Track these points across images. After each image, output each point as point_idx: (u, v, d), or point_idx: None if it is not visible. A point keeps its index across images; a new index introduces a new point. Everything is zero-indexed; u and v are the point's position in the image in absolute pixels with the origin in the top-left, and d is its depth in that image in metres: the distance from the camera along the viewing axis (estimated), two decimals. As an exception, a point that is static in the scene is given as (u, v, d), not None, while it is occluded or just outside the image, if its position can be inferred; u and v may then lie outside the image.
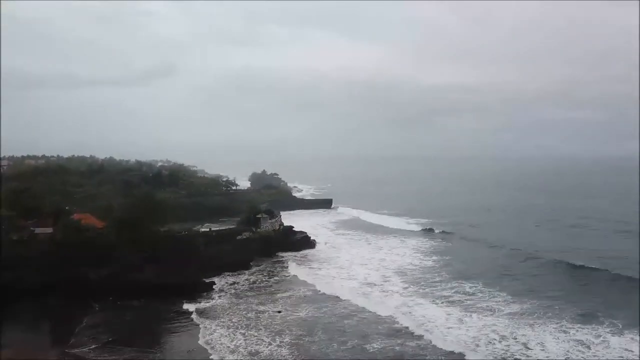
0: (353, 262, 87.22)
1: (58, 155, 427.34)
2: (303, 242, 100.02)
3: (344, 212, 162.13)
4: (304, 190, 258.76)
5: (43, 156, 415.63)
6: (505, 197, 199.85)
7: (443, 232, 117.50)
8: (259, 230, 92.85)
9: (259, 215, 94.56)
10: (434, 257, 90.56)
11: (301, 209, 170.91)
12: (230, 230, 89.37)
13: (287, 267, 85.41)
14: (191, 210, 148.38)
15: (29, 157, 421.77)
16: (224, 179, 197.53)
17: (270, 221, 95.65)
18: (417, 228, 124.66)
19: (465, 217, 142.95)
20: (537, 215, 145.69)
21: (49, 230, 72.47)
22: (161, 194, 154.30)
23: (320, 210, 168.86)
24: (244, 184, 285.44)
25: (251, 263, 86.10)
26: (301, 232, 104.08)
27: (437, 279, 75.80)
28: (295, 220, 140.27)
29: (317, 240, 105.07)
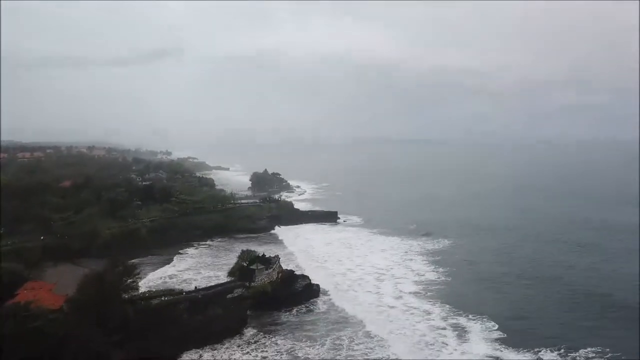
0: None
1: (54, 147, 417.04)
2: (305, 291, 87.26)
3: (350, 231, 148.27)
4: (306, 192, 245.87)
5: (39, 147, 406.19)
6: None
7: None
8: (253, 284, 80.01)
9: (253, 267, 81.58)
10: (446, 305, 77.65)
11: (304, 222, 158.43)
12: (219, 289, 76.48)
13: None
14: (184, 230, 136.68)
15: (24, 147, 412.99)
16: (222, 191, 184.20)
17: (266, 272, 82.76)
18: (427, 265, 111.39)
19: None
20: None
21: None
22: (152, 212, 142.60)
23: (325, 226, 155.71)
24: (244, 181, 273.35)
25: (244, 329, 73.89)
26: (303, 277, 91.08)
27: None
28: (296, 245, 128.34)
29: (321, 287, 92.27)
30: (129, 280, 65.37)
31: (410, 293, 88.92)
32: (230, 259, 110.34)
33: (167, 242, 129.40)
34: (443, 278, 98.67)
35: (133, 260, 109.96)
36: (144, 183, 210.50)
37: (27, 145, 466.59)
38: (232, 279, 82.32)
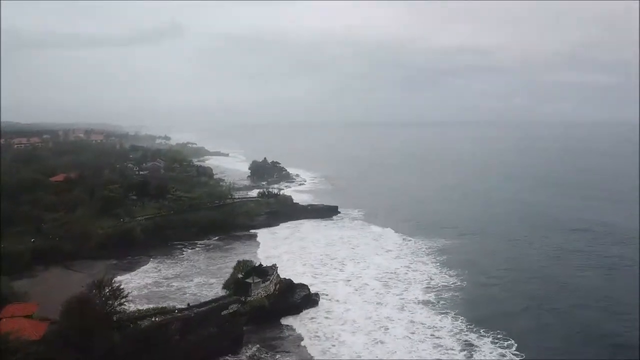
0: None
1: (52, 131, 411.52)
2: (304, 302, 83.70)
3: (351, 225, 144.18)
4: (306, 182, 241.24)
5: (37, 132, 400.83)
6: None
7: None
8: (249, 299, 76.18)
9: (248, 280, 77.58)
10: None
11: (303, 218, 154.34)
12: (213, 306, 72.58)
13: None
14: (179, 228, 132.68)
15: (22, 131, 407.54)
16: (221, 184, 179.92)
17: (263, 285, 78.79)
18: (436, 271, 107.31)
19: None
20: None
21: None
22: (147, 209, 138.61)
23: (325, 222, 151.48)
24: (243, 169, 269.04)
25: (241, 348, 70.49)
26: (302, 286, 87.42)
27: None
28: (294, 244, 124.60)
29: (319, 293, 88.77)
30: (116, 303, 61.31)
31: (418, 303, 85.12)
32: (225, 263, 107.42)
33: (163, 241, 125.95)
34: (458, 283, 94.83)
35: (127, 258, 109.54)
36: (140, 172, 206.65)
37: (25, 129, 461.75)
38: (227, 292, 78.47)
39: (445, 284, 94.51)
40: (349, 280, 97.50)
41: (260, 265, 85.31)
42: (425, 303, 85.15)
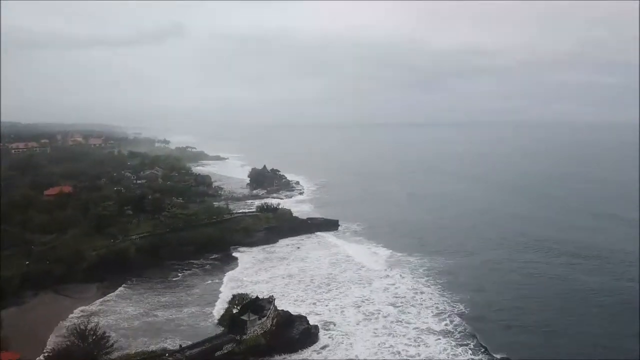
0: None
1: (50, 135, 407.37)
2: (303, 337, 79.86)
3: (349, 248, 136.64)
4: (305, 191, 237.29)
5: (35, 136, 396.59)
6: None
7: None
8: (245, 337, 72.38)
9: (244, 317, 73.76)
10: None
11: (303, 233, 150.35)
12: (207, 346, 68.92)
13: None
14: (175, 247, 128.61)
15: (20, 135, 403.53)
16: (220, 193, 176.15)
17: (259, 322, 74.95)
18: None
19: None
20: None
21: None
22: (142, 227, 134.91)
23: (325, 238, 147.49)
24: (242, 176, 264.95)
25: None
26: (300, 318, 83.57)
27: None
28: (292, 265, 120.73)
29: (321, 324, 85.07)
30: (102, 353, 57.61)
31: (433, 332, 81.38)
32: (220, 287, 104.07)
33: (157, 261, 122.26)
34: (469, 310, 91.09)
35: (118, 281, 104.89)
36: (138, 182, 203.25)
37: (24, 131, 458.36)
38: (222, 330, 74.77)
39: (456, 309, 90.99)
40: (353, 307, 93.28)
41: (257, 298, 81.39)
42: (442, 333, 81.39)
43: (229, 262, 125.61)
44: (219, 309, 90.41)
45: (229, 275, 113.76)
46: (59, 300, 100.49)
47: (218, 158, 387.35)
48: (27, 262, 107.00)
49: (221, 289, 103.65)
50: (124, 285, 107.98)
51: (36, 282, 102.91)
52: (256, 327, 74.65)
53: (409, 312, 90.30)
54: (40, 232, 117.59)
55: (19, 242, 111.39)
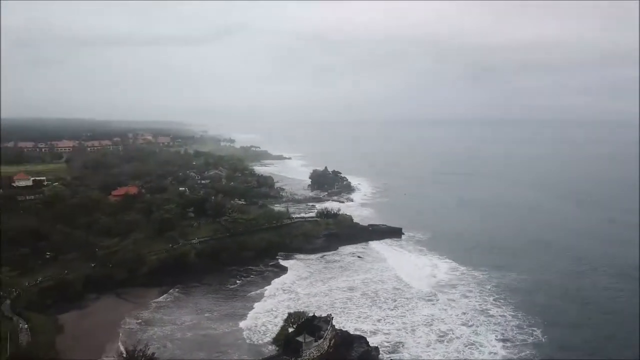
0: None
1: (122, 134, 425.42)
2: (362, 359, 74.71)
3: (416, 260, 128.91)
4: (362, 191, 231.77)
5: (109, 134, 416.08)
6: None
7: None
8: (300, 360, 68.11)
9: (299, 339, 69.46)
10: None
11: (364, 241, 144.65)
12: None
13: None
14: (234, 252, 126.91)
15: (95, 133, 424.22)
16: (281, 195, 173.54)
17: (316, 344, 70.43)
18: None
19: None
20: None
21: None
22: (202, 231, 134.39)
23: (388, 247, 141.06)
24: (303, 177, 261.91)
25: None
26: (359, 339, 78.43)
27: None
28: (354, 277, 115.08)
29: (383, 346, 79.55)
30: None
31: None
32: (276, 298, 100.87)
33: (217, 266, 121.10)
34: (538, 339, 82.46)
35: (177, 287, 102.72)
36: (202, 182, 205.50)
37: (97, 130, 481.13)
38: (277, 350, 70.91)
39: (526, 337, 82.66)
40: (418, 327, 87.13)
41: (314, 317, 76.90)
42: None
43: (287, 269, 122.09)
44: (273, 324, 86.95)
45: (286, 286, 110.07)
46: (119, 304, 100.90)
47: (281, 157, 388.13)
48: (92, 265, 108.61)
49: (275, 300, 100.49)
50: (182, 290, 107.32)
51: (98, 286, 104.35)
52: (312, 350, 70.06)
53: (479, 334, 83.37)
54: (104, 235, 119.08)
55: (84, 245, 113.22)
